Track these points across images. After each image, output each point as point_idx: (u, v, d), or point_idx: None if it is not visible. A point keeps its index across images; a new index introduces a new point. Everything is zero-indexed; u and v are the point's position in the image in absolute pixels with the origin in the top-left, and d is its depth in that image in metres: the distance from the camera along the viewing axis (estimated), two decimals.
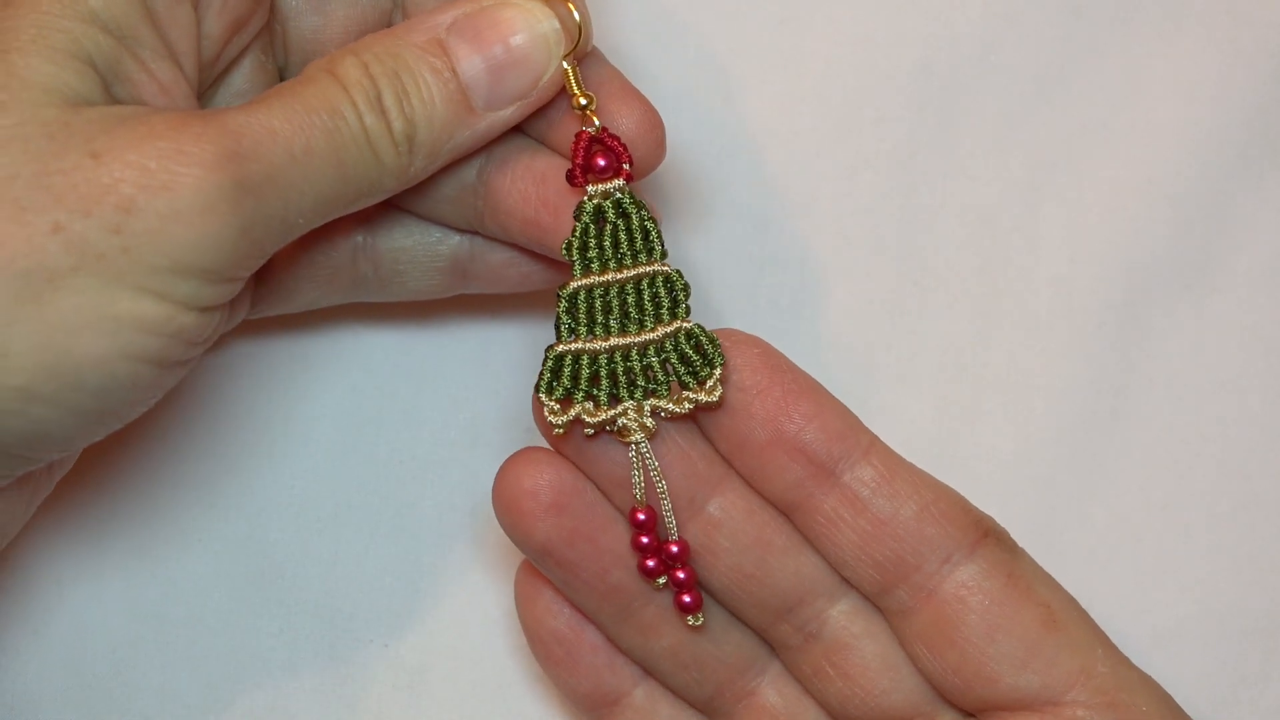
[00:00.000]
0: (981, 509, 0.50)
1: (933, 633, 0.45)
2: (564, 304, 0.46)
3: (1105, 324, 0.53)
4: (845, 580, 0.47)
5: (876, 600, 0.46)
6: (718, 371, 0.45)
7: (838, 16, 0.53)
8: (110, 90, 0.41)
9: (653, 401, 0.45)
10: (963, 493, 0.52)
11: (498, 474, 0.46)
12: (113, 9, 0.41)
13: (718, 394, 0.45)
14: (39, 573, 0.51)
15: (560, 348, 0.46)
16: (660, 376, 0.45)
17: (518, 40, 0.45)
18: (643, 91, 0.48)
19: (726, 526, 0.46)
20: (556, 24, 0.45)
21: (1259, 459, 0.52)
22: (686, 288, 0.46)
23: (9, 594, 0.51)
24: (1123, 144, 0.53)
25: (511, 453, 0.47)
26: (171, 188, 0.39)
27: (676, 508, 0.46)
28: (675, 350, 0.45)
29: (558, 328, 0.46)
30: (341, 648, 0.52)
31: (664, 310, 0.46)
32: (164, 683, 0.51)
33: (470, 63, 0.44)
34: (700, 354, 0.45)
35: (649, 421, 0.45)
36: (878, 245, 0.53)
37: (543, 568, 0.47)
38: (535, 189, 0.47)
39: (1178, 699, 0.50)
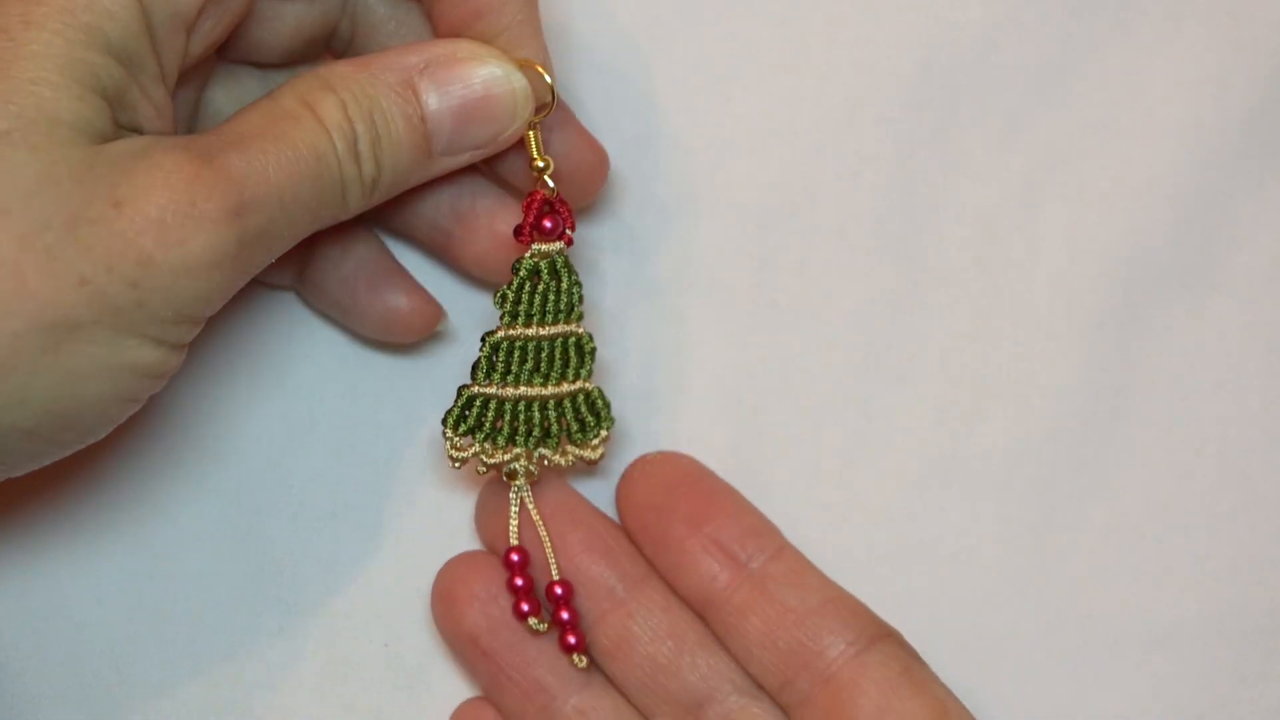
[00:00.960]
0: (979, 511, 0.50)
1: (827, 716, 0.48)
2: (487, 349, 0.48)
3: (1105, 324, 0.53)
4: (752, 678, 0.49)
5: (779, 696, 0.49)
6: (604, 433, 0.49)
7: (838, 16, 0.53)
8: (116, 118, 0.42)
9: (541, 450, 0.49)
10: (963, 493, 0.52)
11: (439, 571, 0.50)
12: (126, 39, 0.42)
13: (599, 453, 0.49)
14: (39, 573, 0.51)
15: (475, 389, 0.49)
16: (554, 430, 0.49)
17: (487, 93, 0.46)
18: (642, 92, 0.51)
19: (642, 616, 0.49)
20: (526, 83, 0.46)
21: (1259, 459, 0.52)
22: (593, 351, 0.49)
23: (9, 594, 0.51)
24: (1123, 144, 0.53)
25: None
26: (185, 243, 0.41)
27: (592, 587, 0.49)
28: (573, 408, 0.49)
29: (475, 369, 0.48)
30: (341, 648, 0.52)
31: (570, 370, 0.49)
32: (164, 682, 0.51)
33: (438, 110, 0.45)
34: (593, 414, 0.49)
35: (533, 468, 0.49)
36: (878, 245, 0.53)
37: (469, 661, 0.50)
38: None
39: (1178, 699, 0.50)
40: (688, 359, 0.53)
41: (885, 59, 0.53)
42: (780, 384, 0.53)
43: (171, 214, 0.41)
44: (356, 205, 0.45)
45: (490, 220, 0.50)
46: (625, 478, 0.51)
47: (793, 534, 0.52)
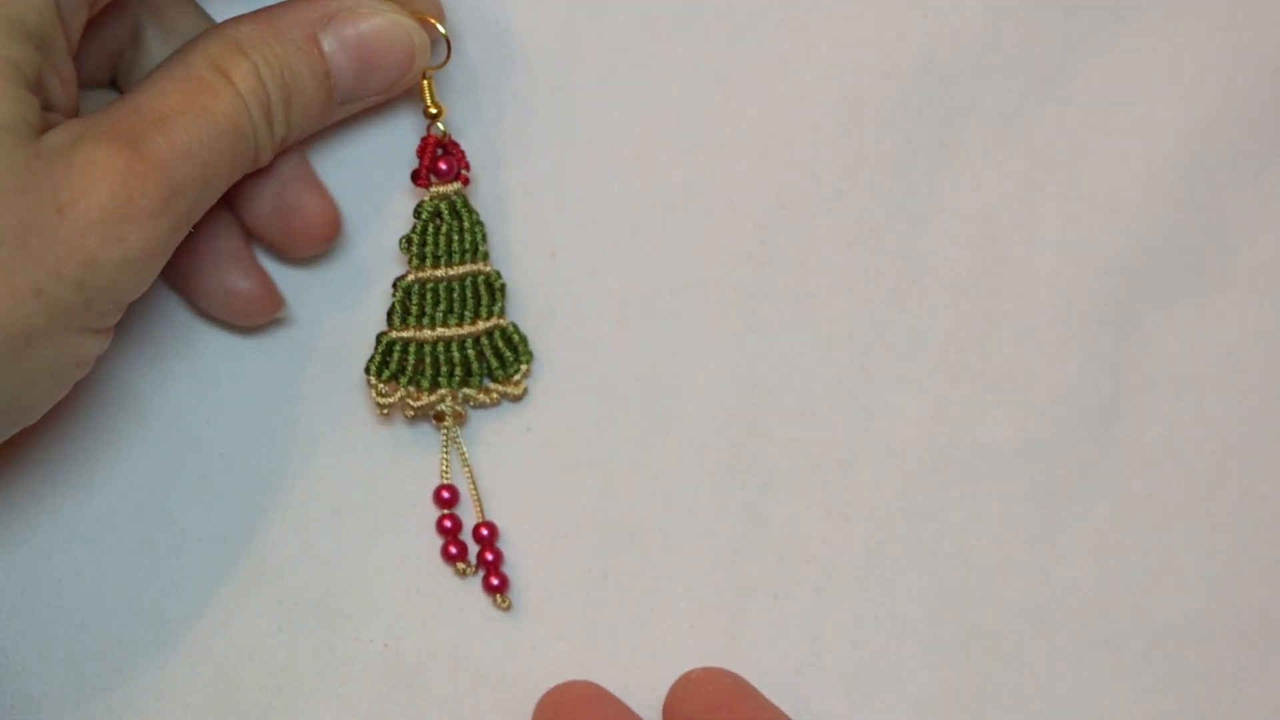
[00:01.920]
0: (979, 511, 0.50)
1: None
2: (399, 295, 0.50)
3: (1105, 324, 0.53)
4: None
5: None
6: (525, 367, 0.51)
7: (838, 16, 0.53)
8: (40, 105, 0.42)
9: (465, 390, 0.50)
10: (963, 493, 0.52)
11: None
12: (42, 24, 0.42)
13: (522, 389, 0.51)
14: (39, 573, 0.51)
15: (392, 334, 0.50)
16: (475, 368, 0.50)
17: (386, 44, 0.48)
18: (641, 91, 0.51)
19: None
20: (422, 31, 0.48)
21: (1259, 459, 0.52)
22: (504, 288, 0.50)
23: (9, 594, 0.51)
24: (1123, 144, 0.53)
25: (508, 452, 0.51)
26: (125, 239, 0.42)
27: None
28: (490, 345, 0.50)
29: (390, 315, 0.50)
30: (341, 648, 0.52)
31: (483, 308, 0.50)
32: (164, 682, 0.51)
33: (339, 64, 0.47)
34: (511, 349, 0.50)
35: (460, 408, 0.50)
36: (878, 245, 0.53)
37: None
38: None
39: (1178, 699, 0.50)
40: (688, 359, 0.52)
41: (885, 59, 0.53)
42: (780, 384, 0.53)
43: (111, 213, 0.41)
44: (264, 162, 0.47)
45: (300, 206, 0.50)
46: (670, 697, 0.51)
47: (793, 534, 0.52)
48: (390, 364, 0.50)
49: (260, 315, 0.51)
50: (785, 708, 0.51)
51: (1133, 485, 0.52)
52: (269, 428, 0.52)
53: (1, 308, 0.40)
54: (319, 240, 0.50)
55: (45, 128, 0.42)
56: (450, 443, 0.51)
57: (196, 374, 0.52)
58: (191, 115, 0.44)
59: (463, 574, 0.51)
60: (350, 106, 0.49)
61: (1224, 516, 0.52)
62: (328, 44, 0.47)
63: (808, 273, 0.53)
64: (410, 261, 0.50)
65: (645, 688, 0.52)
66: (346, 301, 0.52)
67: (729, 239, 0.53)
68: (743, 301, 0.53)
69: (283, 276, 0.52)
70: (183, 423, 0.52)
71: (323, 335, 0.52)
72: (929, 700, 0.52)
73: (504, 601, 0.51)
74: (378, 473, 0.52)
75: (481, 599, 0.52)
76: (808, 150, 0.53)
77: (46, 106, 0.43)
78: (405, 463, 0.52)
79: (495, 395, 0.51)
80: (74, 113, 0.45)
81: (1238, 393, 0.53)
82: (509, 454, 0.52)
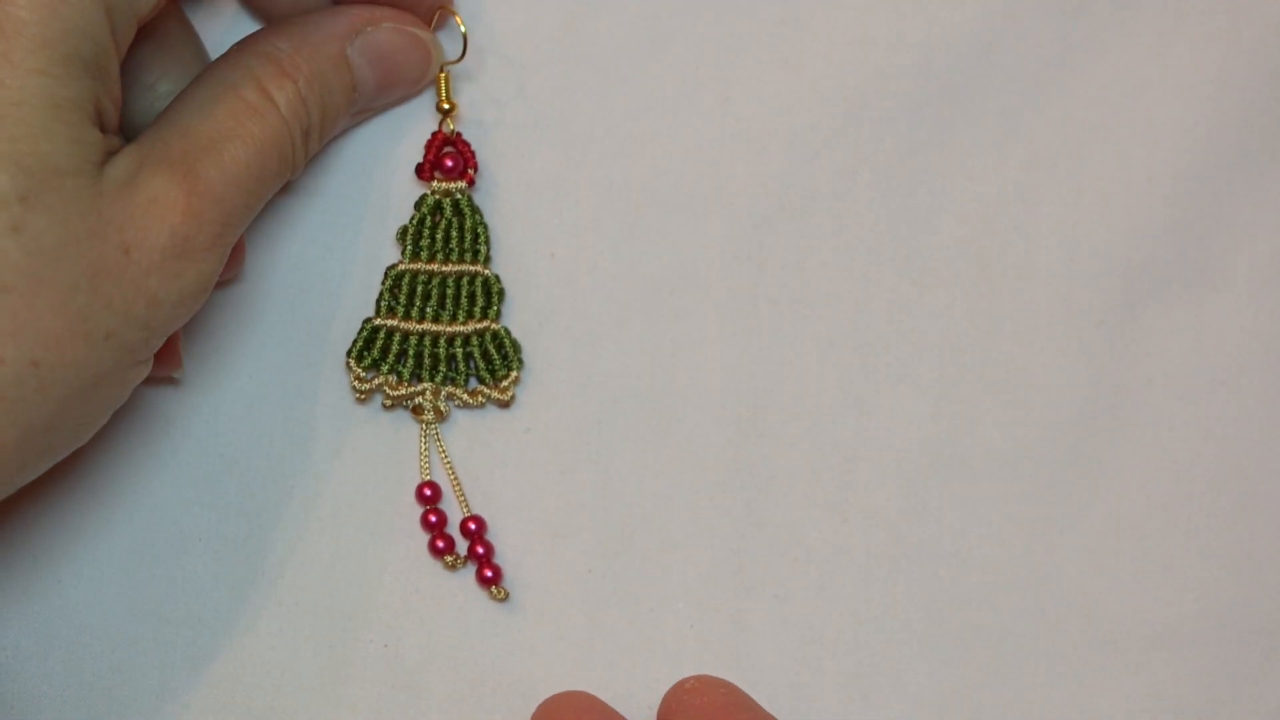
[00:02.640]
0: (979, 511, 0.50)
1: None
2: (388, 282, 0.50)
3: (1104, 323, 0.53)
4: None
5: None
6: (514, 374, 0.50)
7: (837, 17, 0.53)
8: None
9: (449, 389, 0.50)
10: (963, 492, 0.52)
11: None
12: (98, 53, 0.42)
13: (510, 394, 0.50)
14: (39, 573, 0.51)
15: (376, 321, 0.50)
16: (461, 368, 0.50)
17: (405, 58, 0.49)
18: (641, 91, 0.51)
19: None
20: (439, 43, 0.50)
21: (1259, 459, 0.52)
22: (502, 293, 0.50)
23: (9, 594, 0.51)
24: (1122, 144, 0.53)
25: (508, 453, 0.51)
26: (182, 276, 0.43)
27: None
28: (479, 347, 0.50)
29: (378, 303, 0.50)
30: (341, 648, 0.52)
31: (477, 308, 0.50)
32: (164, 683, 0.51)
33: (364, 76, 0.48)
34: (501, 355, 0.50)
35: (443, 405, 0.50)
36: (877, 245, 0.53)
37: None
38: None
39: (1177, 699, 0.50)
40: (688, 359, 0.52)
41: (885, 59, 0.53)
42: (780, 384, 0.53)
43: (171, 251, 0.42)
44: (297, 175, 0.48)
45: None
46: (664, 707, 0.50)
47: (793, 534, 0.52)
48: (372, 351, 0.50)
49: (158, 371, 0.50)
50: (785, 708, 0.51)
51: (1133, 485, 0.52)
52: (269, 428, 0.52)
53: (78, 354, 0.41)
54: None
55: (105, 156, 0.42)
56: (429, 438, 0.51)
57: (197, 374, 0.52)
58: (240, 140, 0.44)
59: (452, 566, 0.51)
60: (361, 116, 0.50)
61: (1224, 516, 0.52)
62: (354, 57, 0.48)
63: (807, 273, 0.53)
64: (404, 252, 0.51)
65: (645, 688, 0.52)
66: (348, 300, 0.52)
67: (728, 239, 0.53)
68: (742, 301, 0.53)
69: (285, 271, 0.52)
70: (183, 423, 0.52)
71: (322, 335, 0.52)
72: (929, 700, 0.52)
73: (500, 592, 0.51)
74: (378, 473, 0.52)
75: (482, 599, 0.52)
76: (808, 150, 0.53)
77: (101, 128, 0.43)
78: (405, 463, 0.52)
79: (481, 398, 0.51)
80: (120, 128, 0.45)
81: (1238, 393, 0.53)
82: (509, 454, 0.52)
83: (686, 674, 0.51)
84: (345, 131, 0.52)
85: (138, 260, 0.42)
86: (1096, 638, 0.52)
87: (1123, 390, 0.53)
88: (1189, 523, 0.52)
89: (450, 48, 0.51)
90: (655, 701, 0.51)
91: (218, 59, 0.47)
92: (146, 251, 0.42)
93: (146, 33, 0.47)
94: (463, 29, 0.50)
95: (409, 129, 0.52)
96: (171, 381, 0.51)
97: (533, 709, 0.51)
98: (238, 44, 0.47)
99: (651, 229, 0.53)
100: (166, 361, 0.50)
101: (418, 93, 0.51)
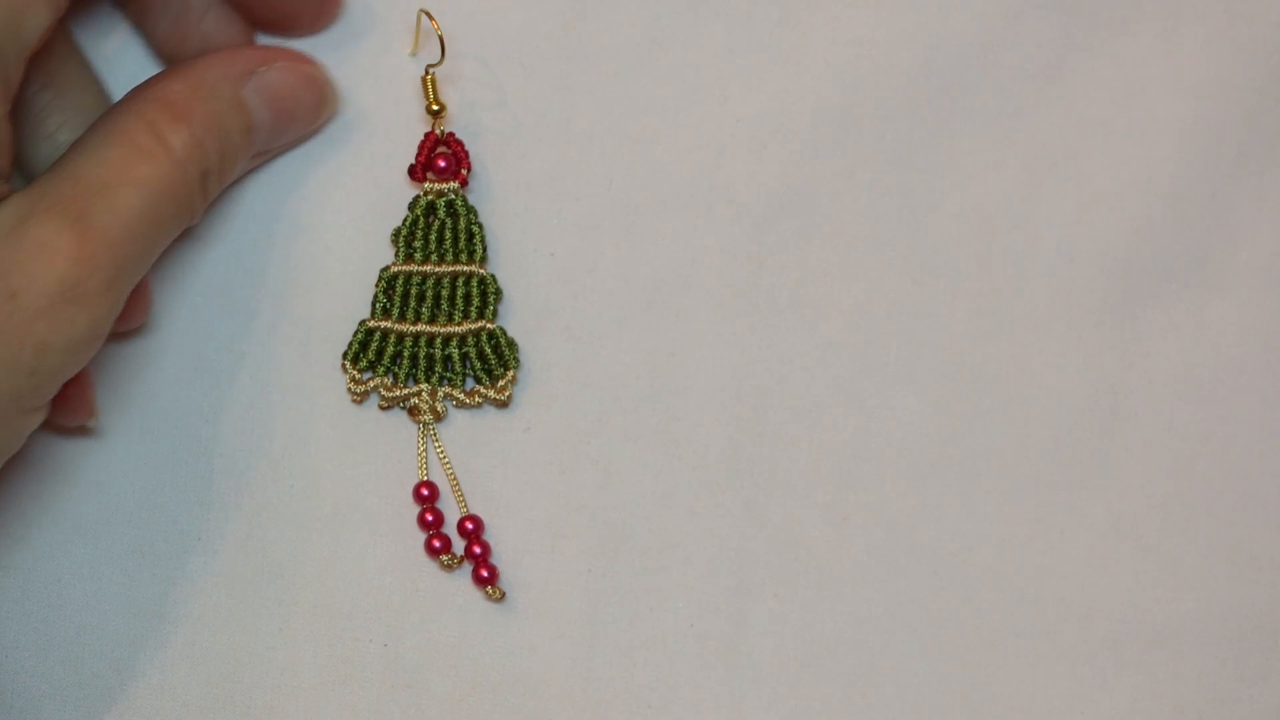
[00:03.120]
0: (979, 511, 0.50)
1: None
2: (382, 284, 0.50)
3: (1104, 323, 0.53)
4: None
5: None
6: (510, 374, 0.50)
7: (837, 16, 0.53)
8: None
9: (445, 389, 0.50)
10: (963, 493, 0.52)
11: None
12: None
13: (507, 394, 0.50)
14: (39, 573, 0.51)
15: (371, 323, 0.50)
16: (457, 368, 0.50)
17: (300, 98, 0.49)
18: (640, 91, 0.51)
19: None
20: (333, 83, 0.50)
21: (1259, 459, 0.52)
22: (498, 293, 0.50)
23: (9, 594, 0.51)
24: (1122, 144, 0.53)
25: (508, 453, 0.51)
26: (74, 321, 0.42)
27: None
28: (475, 347, 0.50)
29: (373, 304, 0.50)
30: (341, 648, 0.52)
31: (473, 308, 0.50)
32: (164, 682, 0.51)
33: (261, 118, 0.48)
34: (497, 355, 0.50)
35: (440, 406, 0.50)
36: (878, 245, 0.53)
37: None
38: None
39: (1177, 699, 0.50)
40: (688, 359, 0.53)
41: (885, 59, 0.53)
42: (780, 384, 0.53)
43: (60, 297, 0.42)
44: (197, 221, 0.47)
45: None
46: None
47: (793, 534, 0.52)
48: (367, 352, 0.50)
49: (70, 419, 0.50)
50: (785, 708, 0.51)
51: (1133, 485, 0.52)
52: (268, 428, 0.52)
53: None
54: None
55: None
56: (426, 439, 0.51)
57: (196, 374, 0.52)
58: (133, 185, 0.43)
59: (448, 567, 0.51)
60: (260, 158, 0.49)
61: (1224, 516, 0.52)
62: (249, 97, 0.47)
63: (807, 272, 0.53)
64: (397, 254, 0.51)
65: (645, 688, 0.52)
66: (346, 300, 0.52)
67: (729, 239, 0.53)
68: (742, 301, 0.53)
69: (284, 271, 0.52)
70: (183, 423, 0.52)
71: (323, 335, 0.52)
72: (929, 700, 0.52)
73: (496, 592, 0.51)
74: (378, 473, 0.52)
75: (481, 599, 0.52)
76: (807, 150, 0.53)
77: None
78: (405, 463, 0.52)
79: (478, 398, 0.51)
80: (9, 172, 0.44)
81: (1238, 393, 0.53)
82: (508, 454, 0.52)
83: (686, 674, 0.51)
84: (345, 133, 0.52)
85: (24, 306, 0.41)
86: (1096, 638, 0.52)
87: (1122, 390, 0.53)
88: (1189, 523, 0.52)
89: (431, 52, 0.51)
90: (655, 700, 0.51)
91: (113, 105, 0.46)
92: (34, 297, 0.41)
93: (46, 81, 0.47)
94: (439, 31, 0.50)
95: (402, 131, 0.52)
96: (84, 431, 0.51)
97: (533, 708, 0.51)
98: (133, 90, 0.47)
99: (651, 229, 0.53)
100: (77, 410, 0.49)
101: (315, 131, 0.51)
